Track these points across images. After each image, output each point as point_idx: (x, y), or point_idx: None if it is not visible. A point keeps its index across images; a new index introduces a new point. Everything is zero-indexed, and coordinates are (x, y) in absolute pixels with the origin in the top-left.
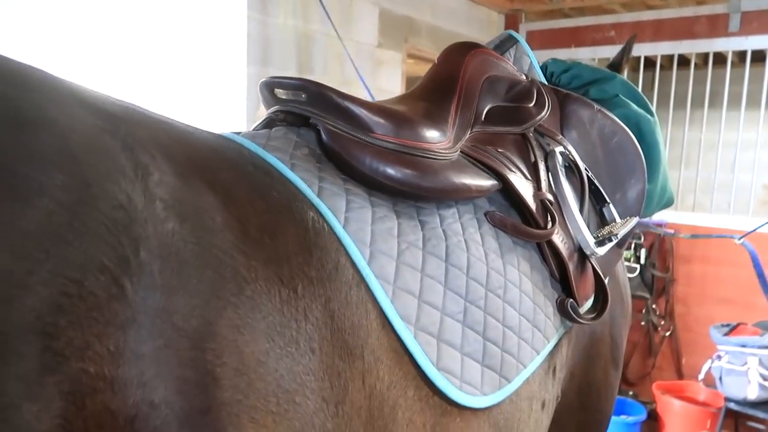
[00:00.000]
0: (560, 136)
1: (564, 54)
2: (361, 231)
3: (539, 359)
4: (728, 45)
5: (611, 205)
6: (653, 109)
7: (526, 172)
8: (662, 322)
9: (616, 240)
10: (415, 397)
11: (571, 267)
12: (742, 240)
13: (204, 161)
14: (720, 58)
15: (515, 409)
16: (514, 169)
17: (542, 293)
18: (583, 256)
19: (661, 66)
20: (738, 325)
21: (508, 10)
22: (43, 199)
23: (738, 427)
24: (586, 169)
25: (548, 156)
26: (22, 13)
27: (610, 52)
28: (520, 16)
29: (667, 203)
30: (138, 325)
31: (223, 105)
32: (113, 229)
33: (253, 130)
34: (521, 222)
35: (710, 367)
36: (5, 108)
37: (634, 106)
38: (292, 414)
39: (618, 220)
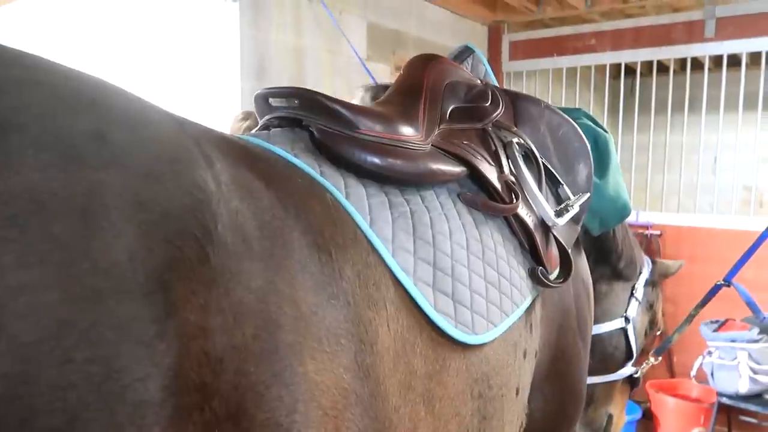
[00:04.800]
0: (515, 128)
1: (546, 63)
2: (360, 203)
3: (519, 311)
4: (705, 50)
5: (565, 186)
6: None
7: (490, 159)
8: None
9: (573, 211)
10: (427, 338)
11: (537, 237)
12: (730, 281)
13: (242, 154)
14: (697, 64)
15: (504, 351)
16: (479, 157)
17: (515, 259)
18: (546, 231)
19: (641, 73)
20: (726, 320)
21: (492, 21)
22: (156, 180)
23: (731, 421)
24: (540, 156)
25: (507, 146)
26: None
27: (591, 59)
28: (503, 27)
29: (623, 212)
30: (218, 284)
31: (217, 120)
32: (199, 206)
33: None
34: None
35: (701, 363)
36: (120, 115)
37: (593, 125)
38: (340, 353)
39: (572, 197)
